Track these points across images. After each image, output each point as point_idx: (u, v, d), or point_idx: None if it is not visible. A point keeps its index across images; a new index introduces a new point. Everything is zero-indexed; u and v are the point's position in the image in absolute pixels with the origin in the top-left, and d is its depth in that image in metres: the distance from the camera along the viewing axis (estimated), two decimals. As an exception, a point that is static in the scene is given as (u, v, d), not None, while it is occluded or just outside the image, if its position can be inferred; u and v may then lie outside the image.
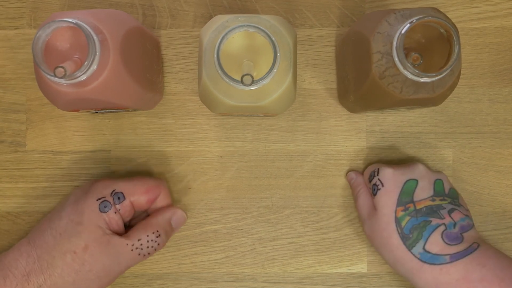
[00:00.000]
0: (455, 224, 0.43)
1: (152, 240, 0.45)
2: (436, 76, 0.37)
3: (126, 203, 0.45)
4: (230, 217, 0.52)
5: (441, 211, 0.43)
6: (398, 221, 0.43)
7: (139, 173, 0.51)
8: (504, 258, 0.42)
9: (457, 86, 0.41)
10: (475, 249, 0.42)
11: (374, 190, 0.45)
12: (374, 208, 0.46)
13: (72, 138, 0.51)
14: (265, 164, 0.52)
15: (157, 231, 0.46)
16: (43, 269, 0.42)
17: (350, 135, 0.52)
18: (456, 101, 0.52)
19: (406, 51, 0.39)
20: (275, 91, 0.40)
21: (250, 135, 0.52)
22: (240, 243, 0.52)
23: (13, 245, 0.46)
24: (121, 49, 0.39)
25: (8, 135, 0.51)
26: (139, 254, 0.44)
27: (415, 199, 0.43)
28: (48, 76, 0.36)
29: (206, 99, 0.42)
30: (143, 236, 0.45)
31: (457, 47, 0.37)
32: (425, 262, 0.42)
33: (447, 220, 0.43)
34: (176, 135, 0.52)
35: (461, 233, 0.42)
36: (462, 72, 0.50)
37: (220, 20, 0.40)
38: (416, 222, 0.42)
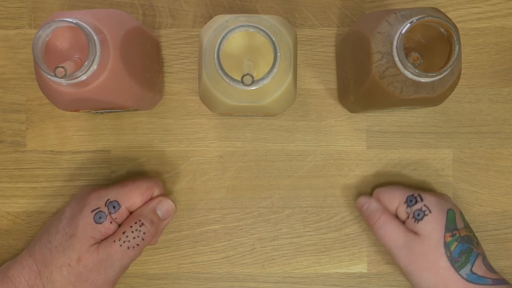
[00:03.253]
0: (485, 256, 0.46)
1: (136, 230, 0.44)
2: (436, 76, 0.37)
3: (122, 210, 0.45)
4: (230, 217, 0.52)
5: (474, 241, 0.46)
6: (447, 245, 0.45)
7: (138, 173, 0.51)
8: None
9: (457, 86, 0.41)
10: (508, 284, 0.45)
11: (419, 215, 0.46)
12: (412, 233, 0.46)
13: (72, 138, 0.51)
14: (265, 164, 0.52)
15: (140, 220, 0.45)
16: (44, 284, 0.43)
17: (350, 135, 0.52)
18: (456, 101, 0.52)
19: (406, 51, 0.39)
20: (275, 91, 0.40)
21: (250, 135, 0.52)
22: (240, 243, 0.52)
23: (16, 256, 0.46)
24: (121, 49, 0.39)
25: (8, 135, 0.51)
26: (128, 248, 0.44)
27: (458, 227, 0.46)
28: (48, 76, 0.36)
29: (206, 99, 0.42)
30: (127, 229, 0.44)
31: (457, 47, 0.37)
32: (471, 282, 0.44)
33: (480, 250, 0.46)
34: (176, 135, 0.52)
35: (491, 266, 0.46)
36: (462, 72, 0.50)
37: (220, 20, 0.40)
38: (463, 247, 0.45)
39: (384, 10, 0.40)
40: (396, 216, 0.48)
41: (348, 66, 0.46)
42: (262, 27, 0.38)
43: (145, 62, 0.45)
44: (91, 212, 0.44)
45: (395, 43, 0.38)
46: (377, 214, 0.47)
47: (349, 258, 0.51)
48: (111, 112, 0.49)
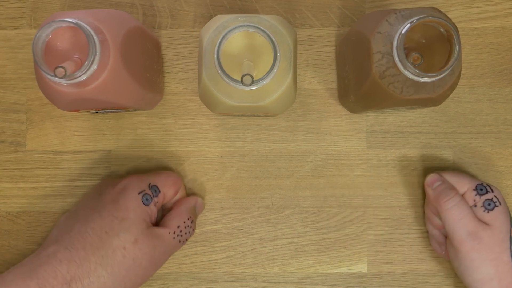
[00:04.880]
0: None
1: (188, 226, 0.47)
2: (437, 76, 0.37)
3: (161, 195, 0.47)
4: (230, 217, 0.52)
5: None
6: (511, 240, 0.45)
7: (139, 172, 0.51)
8: None
9: (457, 86, 0.41)
10: None
11: (489, 205, 0.46)
12: (481, 223, 0.45)
13: (72, 138, 0.51)
14: (265, 164, 0.52)
15: (191, 217, 0.47)
16: (89, 272, 0.41)
17: (350, 135, 0.52)
18: (456, 101, 0.52)
19: (407, 51, 0.39)
20: (275, 91, 0.40)
21: (250, 135, 0.52)
22: (240, 243, 0.52)
23: (45, 253, 0.42)
24: (121, 49, 0.39)
25: (8, 135, 0.51)
26: (179, 241, 0.46)
27: None
28: (49, 76, 0.36)
29: (206, 99, 0.42)
30: (180, 223, 0.46)
31: (457, 47, 0.37)
32: None
33: None
34: (176, 135, 0.52)
35: None
36: (462, 72, 0.50)
37: (220, 20, 0.40)
38: None
39: (384, 10, 0.40)
40: None
41: (348, 66, 0.46)
42: (262, 27, 0.38)
43: (145, 62, 0.45)
44: (138, 194, 0.45)
45: (395, 43, 0.38)
46: (451, 193, 0.46)
47: (349, 258, 0.51)
48: (111, 112, 0.49)
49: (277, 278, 0.51)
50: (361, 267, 0.51)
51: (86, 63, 0.37)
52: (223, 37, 0.37)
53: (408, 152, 0.52)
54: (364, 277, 0.51)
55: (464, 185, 0.47)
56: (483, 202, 0.46)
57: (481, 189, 0.46)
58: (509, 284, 0.44)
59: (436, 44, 0.39)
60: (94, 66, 0.38)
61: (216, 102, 0.41)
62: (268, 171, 0.52)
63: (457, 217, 0.46)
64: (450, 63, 0.37)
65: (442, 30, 0.39)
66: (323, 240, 0.51)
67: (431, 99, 0.40)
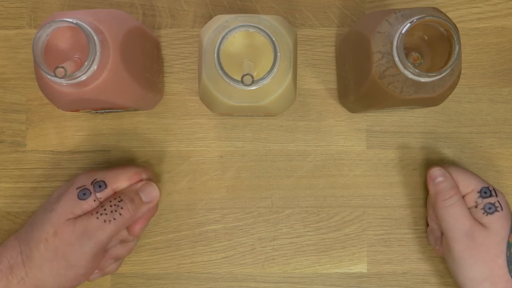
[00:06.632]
0: None
1: (114, 205, 0.44)
2: (437, 76, 0.37)
3: (108, 190, 0.45)
4: (230, 217, 0.52)
5: None
6: (509, 245, 0.45)
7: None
8: None
9: (457, 86, 0.41)
10: None
11: (490, 209, 0.46)
12: (478, 224, 0.46)
13: (72, 138, 0.51)
14: (265, 164, 0.52)
15: (119, 196, 0.45)
16: (24, 262, 0.43)
17: (350, 135, 0.52)
18: (456, 101, 0.52)
19: (406, 50, 0.39)
20: (275, 91, 0.40)
21: (250, 135, 0.52)
22: (240, 243, 0.52)
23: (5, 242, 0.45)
24: (121, 49, 0.39)
25: (8, 135, 0.51)
26: (104, 221, 0.43)
27: None
28: (49, 76, 0.36)
29: (206, 99, 0.42)
30: (105, 203, 0.44)
31: (457, 46, 0.37)
32: None
33: None
34: (176, 135, 0.52)
35: None
36: (462, 72, 0.50)
37: (220, 20, 0.40)
38: None
39: (384, 10, 0.40)
40: None
41: (348, 66, 0.46)
42: (262, 27, 0.38)
43: (145, 62, 0.45)
44: (76, 189, 0.44)
45: (395, 43, 0.38)
46: (451, 191, 0.47)
47: (349, 258, 0.51)
48: (111, 112, 0.49)
49: (276, 278, 0.51)
50: (360, 267, 0.51)
51: (86, 63, 0.37)
52: (223, 37, 0.37)
53: (408, 152, 0.52)
54: (364, 277, 0.51)
55: (469, 186, 0.47)
56: (484, 205, 0.46)
57: (485, 192, 0.47)
58: None
59: (436, 44, 0.39)
60: (94, 66, 0.38)
61: (216, 102, 0.41)
62: (268, 171, 0.52)
63: (454, 216, 0.46)
64: (450, 63, 0.37)
65: (442, 30, 0.39)
66: (323, 240, 0.52)
67: (431, 99, 0.40)
